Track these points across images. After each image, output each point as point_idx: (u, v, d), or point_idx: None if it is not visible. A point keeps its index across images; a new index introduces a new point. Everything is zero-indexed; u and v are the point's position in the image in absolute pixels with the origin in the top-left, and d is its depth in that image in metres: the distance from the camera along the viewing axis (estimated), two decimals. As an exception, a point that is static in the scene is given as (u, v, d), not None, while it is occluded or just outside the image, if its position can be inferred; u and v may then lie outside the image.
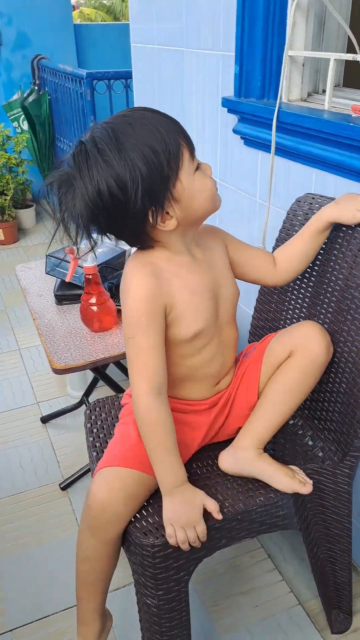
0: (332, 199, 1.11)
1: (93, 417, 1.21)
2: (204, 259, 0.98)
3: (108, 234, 0.88)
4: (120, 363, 1.69)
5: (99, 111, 3.02)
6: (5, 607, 1.32)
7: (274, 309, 1.24)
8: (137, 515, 0.94)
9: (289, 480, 0.98)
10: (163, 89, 1.95)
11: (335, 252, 1.07)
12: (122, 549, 0.98)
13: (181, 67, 1.78)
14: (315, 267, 1.12)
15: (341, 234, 1.05)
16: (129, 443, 0.99)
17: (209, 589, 1.35)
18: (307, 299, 1.15)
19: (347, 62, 1.43)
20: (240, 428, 1.06)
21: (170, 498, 0.91)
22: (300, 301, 1.16)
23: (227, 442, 1.06)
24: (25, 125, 3.89)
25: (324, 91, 1.38)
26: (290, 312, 1.19)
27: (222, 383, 1.06)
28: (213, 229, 1.04)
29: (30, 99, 3.79)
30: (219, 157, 1.65)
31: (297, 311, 1.17)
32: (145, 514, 0.95)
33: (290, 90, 1.37)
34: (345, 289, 1.03)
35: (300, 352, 0.99)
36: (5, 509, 1.58)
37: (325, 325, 1.08)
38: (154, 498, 0.98)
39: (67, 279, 1.44)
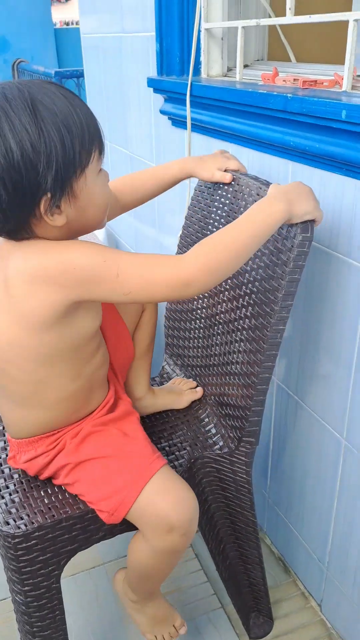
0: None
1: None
2: None
3: None
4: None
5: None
6: None
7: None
8: (4, 504, 0.88)
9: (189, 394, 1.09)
10: (108, 76, 1.91)
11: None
12: None
13: (119, 53, 1.74)
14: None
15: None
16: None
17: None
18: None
19: (273, 37, 1.38)
20: None
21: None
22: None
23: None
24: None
25: (246, 65, 1.32)
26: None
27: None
28: None
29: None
30: (153, 141, 1.60)
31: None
32: (14, 501, 0.88)
33: (211, 65, 1.31)
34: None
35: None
36: None
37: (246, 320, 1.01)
38: (18, 485, 0.91)
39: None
